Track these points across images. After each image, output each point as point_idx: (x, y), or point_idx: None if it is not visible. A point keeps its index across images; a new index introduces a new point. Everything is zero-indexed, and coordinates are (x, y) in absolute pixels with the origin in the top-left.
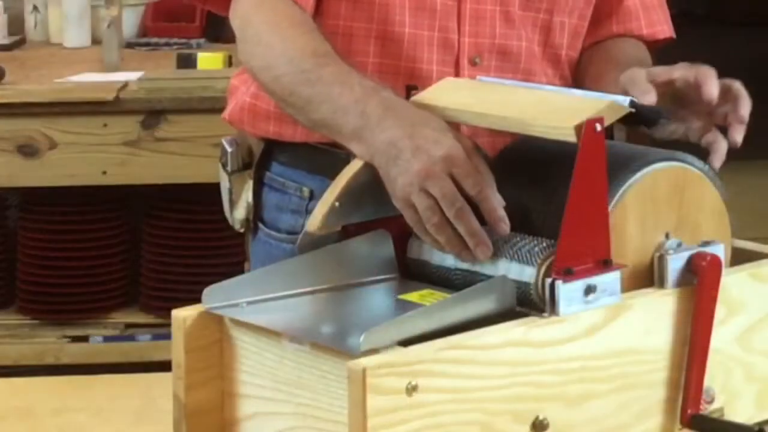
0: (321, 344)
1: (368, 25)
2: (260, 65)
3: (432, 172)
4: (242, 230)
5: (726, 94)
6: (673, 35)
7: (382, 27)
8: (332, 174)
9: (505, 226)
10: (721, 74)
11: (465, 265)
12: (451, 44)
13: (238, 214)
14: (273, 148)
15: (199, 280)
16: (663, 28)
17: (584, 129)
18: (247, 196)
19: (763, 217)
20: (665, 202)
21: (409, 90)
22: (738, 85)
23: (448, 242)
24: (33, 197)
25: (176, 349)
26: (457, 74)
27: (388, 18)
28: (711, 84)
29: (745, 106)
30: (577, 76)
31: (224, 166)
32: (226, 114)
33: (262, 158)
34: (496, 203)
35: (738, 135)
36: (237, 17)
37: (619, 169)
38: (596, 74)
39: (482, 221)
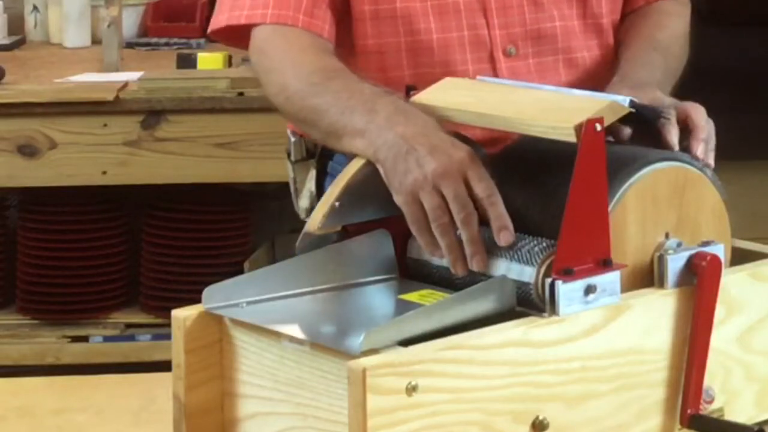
0: (321, 344)
1: (396, 39)
2: (275, 91)
3: (449, 172)
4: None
5: (684, 126)
6: None
7: (410, 38)
8: None
9: (509, 236)
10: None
11: None
12: (482, 40)
13: (302, 203)
14: None
15: (199, 280)
16: None
17: (584, 129)
18: (310, 185)
19: (763, 217)
20: (665, 202)
21: (408, 90)
22: (695, 116)
23: (448, 247)
24: (33, 197)
25: (176, 349)
26: (494, 69)
27: (413, 28)
28: (670, 133)
29: (698, 141)
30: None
31: (288, 155)
32: (289, 123)
33: (325, 148)
34: (504, 211)
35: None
36: (254, 53)
37: (619, 169)
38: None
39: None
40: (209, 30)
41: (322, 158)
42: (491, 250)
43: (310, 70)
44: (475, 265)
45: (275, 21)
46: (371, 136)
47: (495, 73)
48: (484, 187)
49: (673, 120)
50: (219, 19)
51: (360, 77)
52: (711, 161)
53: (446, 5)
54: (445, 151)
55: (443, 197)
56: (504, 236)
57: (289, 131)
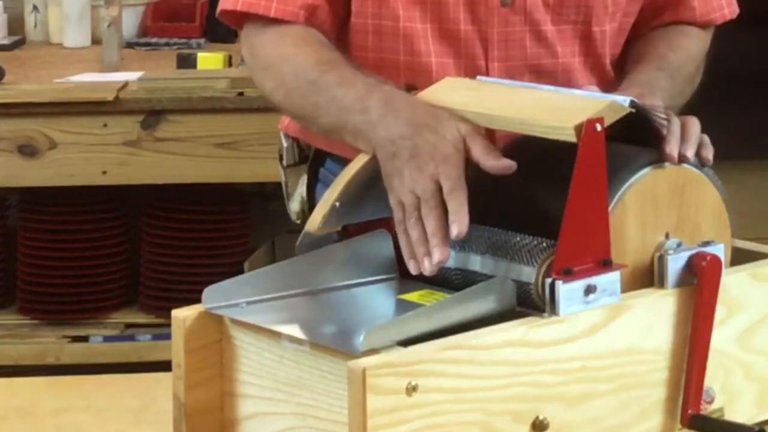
0: (321, 344)
1: (395, 56)
2: (271, 87)
3: (422, 178)
4: (299, 221)
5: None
6: (734, 15)
7: (409, 58)
8: None
9: (460, 227)
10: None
11: (465, 265)
12: (479, 71)
13: (293, 206)
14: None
15: (199, 280)
16: (721, 12)
17: (584, 129)
18: (302, 190)
19: (763, 217)
20: (665, 202)
21: (409, 90)
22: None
23: (417, 240)
24: (33, 197)
25: (176, 349)
26: None
27: (414, 49)
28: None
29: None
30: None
31: (280, 159)
32: (282, 125)
33: (317, 154)
34: (462, 205)
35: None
36: (246, 47)
37: (619, 169)
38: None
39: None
40: (218, 10)
41: (313, 164)
42: (492, 250)
43: (306, 66)
44: (436, 255)
45: (279, 16)
46: (368, 137)
47: None
48: (449, 187)
49: (675, 128)
50: (227, 2)
51: (353, 65)
52: (708, 156)
53: (446, 31)
54: (421, 157)
55: (419, 197)
56: (454, 228)
57: (282, 135)
